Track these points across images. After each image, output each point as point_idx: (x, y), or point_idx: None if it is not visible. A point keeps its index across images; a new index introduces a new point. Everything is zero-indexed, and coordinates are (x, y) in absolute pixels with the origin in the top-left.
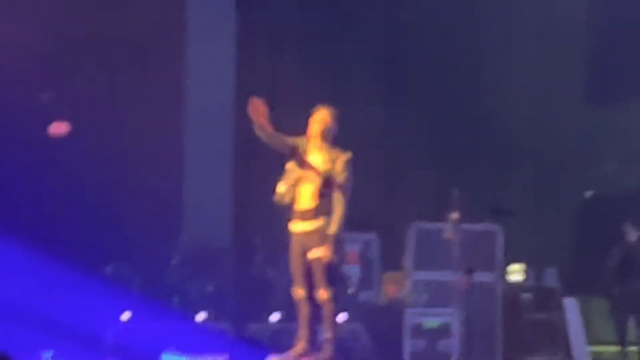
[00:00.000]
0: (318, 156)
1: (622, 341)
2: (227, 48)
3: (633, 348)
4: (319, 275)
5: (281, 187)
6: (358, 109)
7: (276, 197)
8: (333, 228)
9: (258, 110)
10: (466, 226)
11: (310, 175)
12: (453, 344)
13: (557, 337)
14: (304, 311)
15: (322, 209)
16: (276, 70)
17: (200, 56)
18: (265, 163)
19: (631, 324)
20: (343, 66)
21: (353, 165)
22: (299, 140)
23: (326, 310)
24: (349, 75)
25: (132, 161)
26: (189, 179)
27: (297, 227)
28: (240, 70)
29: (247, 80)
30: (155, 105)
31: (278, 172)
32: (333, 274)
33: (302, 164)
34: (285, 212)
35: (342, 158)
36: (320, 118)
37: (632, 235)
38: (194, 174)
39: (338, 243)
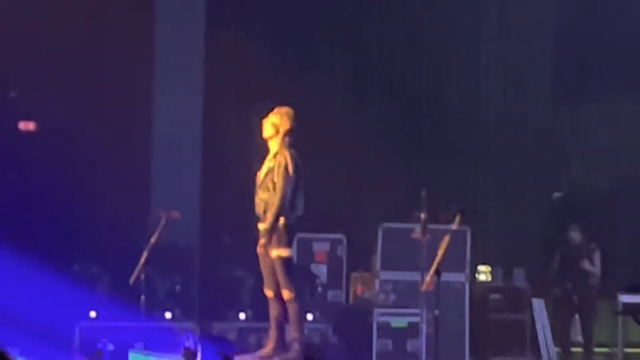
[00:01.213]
0: (270, 156)
1: (564, 343)
2: (196, 39)
3: (577, 349)
4: (279, 274)
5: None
6: (326, 108)
7: None
8: (266, 223)
9: None
10: (434, 226)
11: (261, 173)
12: (421, 344)
13: (525, 338)
14: (273, 311)
15: (268, 206)
16: (245, 69)
17: (168, 51)
18: (233, 161)
19: (574, 325)
20: (310, 68)
21: (322, 166)
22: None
23: (290, 310)
24: (317, 76)
25: (101, 159)
26: (157, 177)
27: (259, 225)
28: (209, 66)
29: (215, 80)
30: (123, 105)
31: (246, 171)
32: (299, 273)
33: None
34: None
35: (280, 153)
36: (273, 118)
37: (575, 237)
38: (162, 173)
39: (285, 240)
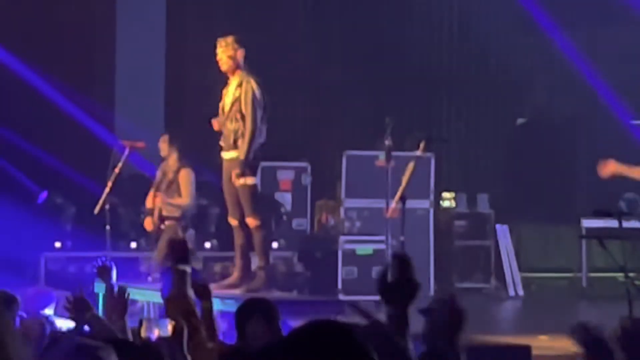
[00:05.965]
0: (231, 84)
1: None
2: None
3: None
4: (244, 202)
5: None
6: (289, 36)
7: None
8: (240, 153)
9: None
10: (398, 153)
11: (226, 104)
12: None
13: (490, 263)
14: (238, 240)
15: (239, 136)
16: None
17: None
18: (197, 90)
19: None
20: None
21: (285, 94)
22: None
23: (256, 238)
24: (280, 4)
25: (65, 89)
26: (121, 108)
27: (223, 155)
28: (170, 17)
29: (178, 11)
30: (86, 36)
31: (209, 101)
32: (263, 201)
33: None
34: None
35: (246, 81)
36: (225, 51)
37: None
38: (126, 103)
39: (250, 168)
